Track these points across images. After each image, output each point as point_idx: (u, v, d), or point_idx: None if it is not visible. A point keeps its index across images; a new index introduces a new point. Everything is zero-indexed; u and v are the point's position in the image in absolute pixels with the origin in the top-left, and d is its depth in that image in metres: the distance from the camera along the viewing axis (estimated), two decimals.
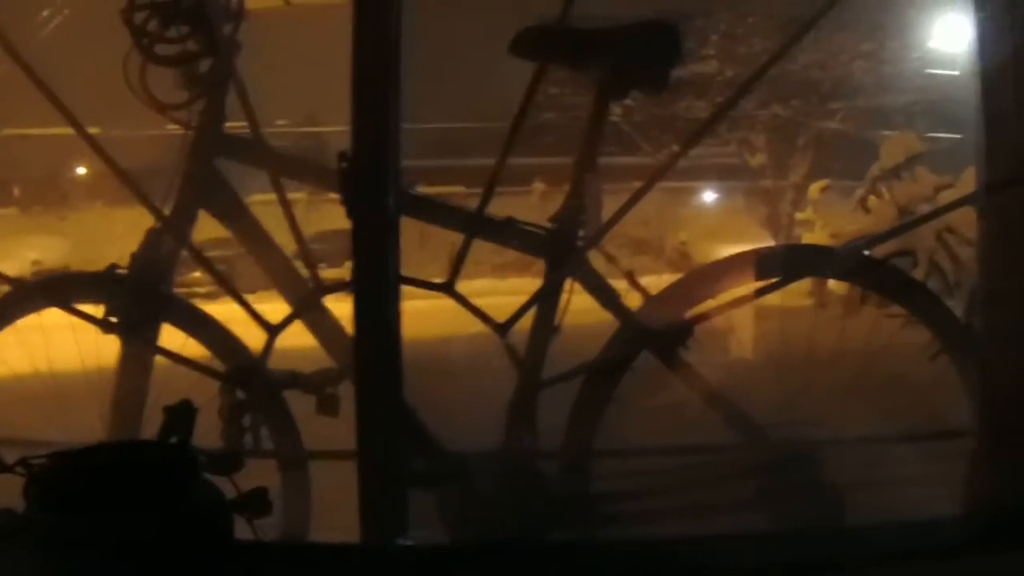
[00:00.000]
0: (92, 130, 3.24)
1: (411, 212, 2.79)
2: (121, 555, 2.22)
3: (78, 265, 3.42)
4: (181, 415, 2.40)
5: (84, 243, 6.69)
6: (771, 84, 7.43)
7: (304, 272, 3.15)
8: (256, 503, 2.37)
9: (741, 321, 3.36)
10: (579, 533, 3.04)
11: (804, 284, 6.18)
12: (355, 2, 2.53)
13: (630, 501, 3.10)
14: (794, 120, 7.95)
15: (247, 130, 3.15)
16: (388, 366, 2.41)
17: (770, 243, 7.53)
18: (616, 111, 4.98)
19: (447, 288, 2.98)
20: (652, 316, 3.05)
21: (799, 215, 8.10)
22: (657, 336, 3.04)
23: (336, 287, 2.98)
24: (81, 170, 7.78)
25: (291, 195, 3.22)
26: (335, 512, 3.07)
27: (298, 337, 3.11)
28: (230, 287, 3.11)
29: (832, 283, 6.31)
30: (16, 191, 7.91)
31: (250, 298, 3.13)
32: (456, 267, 2.98)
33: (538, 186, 5.03)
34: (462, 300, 2.99)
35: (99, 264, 3.28)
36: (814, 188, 8.17)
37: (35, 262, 3.49)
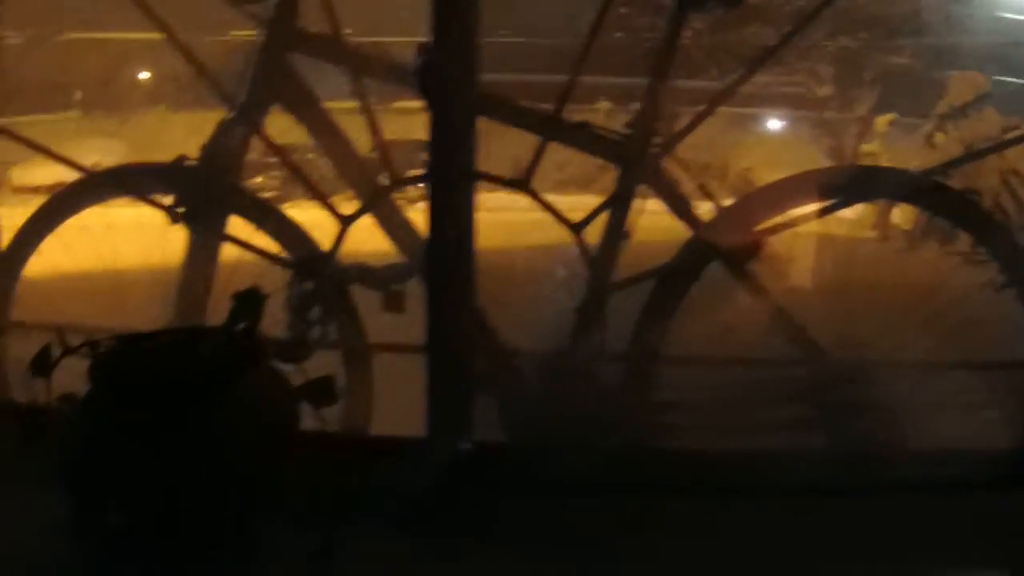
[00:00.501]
0: (152, 35, 3.21)
1: (487, 112, 2.77)
2: (183, 436, 2.22)
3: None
4: (249, 302, 2.41)
5: (144, 146, 6.66)
6: (840, 16, 7.33)
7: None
8: (323, 391, 2.36)
9: (805, 245, 3.32)
10: (637, 440, 3.02)
11: (868, 216, 6.15)
12: None
13: (689, 412, 3.09)
14: (861, 53, 7.85)
15: None
16: (461, 260, 2.39)
17: None
18: (685, 34, 4.93)
19: (522, 185, 2.96)
20: (723, 228, 3.02)
21: (864, 148, 8.03)
22: (727, 248, 3.00)
23: (411, 180, 2.96)
24: (143, 74, 7.76)
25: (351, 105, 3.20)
26: (395, 407, 3.07)
27: (365, 237, 3.09)
28: (303, 177, 3.10)
29: (896, 216, 6.26)
30: (77, 94, 7.91)
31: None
32: (532, 166, 2.96)
33: (603, 104, 4.98)
34: (537, 197, 2.97)
35: None
36: (881, 121, 8.09)
37: (95, 164, 3.49)
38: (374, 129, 3.06)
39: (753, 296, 3.07)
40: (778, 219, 3.08)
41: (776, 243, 3.06)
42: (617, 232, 2.97)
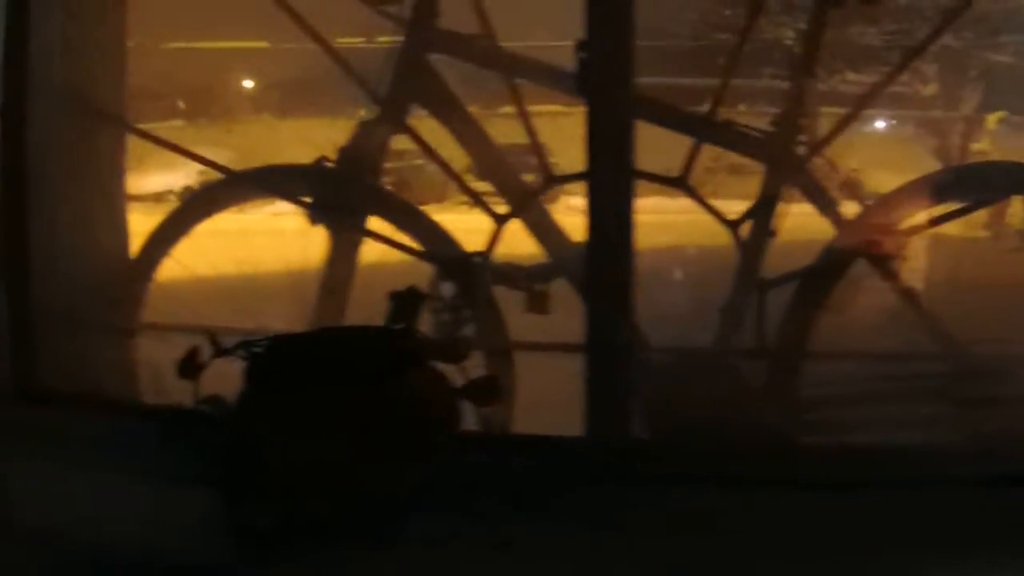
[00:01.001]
0: (259, 43, 3.22)
1: (641, 113, 2.76)
2: (344, 437, 2.21)
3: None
4: (408, 301, 2.39)
5: (251, 154, 6.70)
6: (942, 14, 7.25)
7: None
8: (487, 391, 2.35)
9: (929, 244, 3.30)
10: (783, 435, 3.00)
11: (980, 216, 6.10)
12: None
13: (832, 407, 3.07)
14: (965, 52, 7.78)
15: None
16: (621, 257, 2.37)
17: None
18: (789, 35, 4.91)
19: (680, 183, 2.95)
20: (868, 225, 3.00)
21: (974, 146, 7.96)
22: (872, 245, 2.98)
23: (569, 178, 2.95)
24: (247, 83, 7.81)
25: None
26: (540, 405, 3.07)
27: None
28: (455, 175, 3.10)
29: (1010, 215, 6.20)
30: (181, 104, 7.97)
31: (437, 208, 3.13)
32: (688, 165, 2.95)
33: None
34: (694, 194, 2.96)
35: None
36: (991, 119, 8.02)
37: (202, 172, 3.50)
38: (529, 130, 3.05)
39: (898, 291, 3.05)
40: (920, 217, 3.03)
41: (913, 241, 3.03)
42: (764, 231, 2.96)
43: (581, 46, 2.56)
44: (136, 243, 3.33)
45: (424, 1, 3.09)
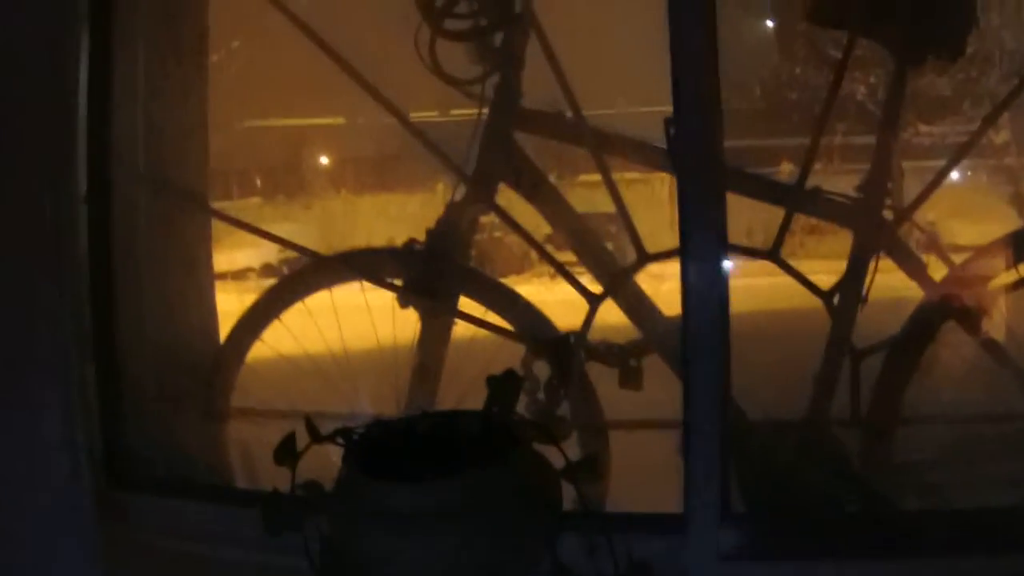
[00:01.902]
0: (335, 120, 3.26)
1: (731, 184, 2.77)
2: (447, 525, 2.21)
3: (325, 251, 3.45)
4: (505, 385, 2.40)
5: (330, 230, 6.76)
6: (1012, 58, 7.22)
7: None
8: (588, 471, 2.35)
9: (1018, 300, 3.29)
10: (880, 503, 2.99)
11: None
12: None
13: (930, 471, 3.06)
14: None
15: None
16: (717, 333, 2.37)
17: (1018, 222, 7.35)
18: (861, 90, 4.89)
19: (773, 256, 2.96)
20: (956, 286, 2.99)
21: None
22: (961, 306, 2.97)
23: (663, 254, 2.96)
24: (323, 159, 7.87)
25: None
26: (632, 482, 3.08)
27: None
28: (547, 255, 3.11)
29: None
30: (258, 181, 8.04)
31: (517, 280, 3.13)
32: (780, 237, 2.96)
33: (785, 167, 4.97)
34: (787, 267, 2.96)
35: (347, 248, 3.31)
36: None
37: (281, 250, 3.53)
38: (619, 204, 3.06)
39: (989, 351, 3.04)
40: (1007, 275, 3.02)
41: (1001, 299, 3.02)
42: (855, 298, 2.95)
43: (669, 122, 2.57)
44: (222, 323, 3.35)
45: (506, 80, 3.09)
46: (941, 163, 3.14)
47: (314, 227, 6.86)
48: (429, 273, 3.13)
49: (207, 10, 3.37)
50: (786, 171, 3.20)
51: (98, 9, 2.85)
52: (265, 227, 3.45)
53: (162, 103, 3.16)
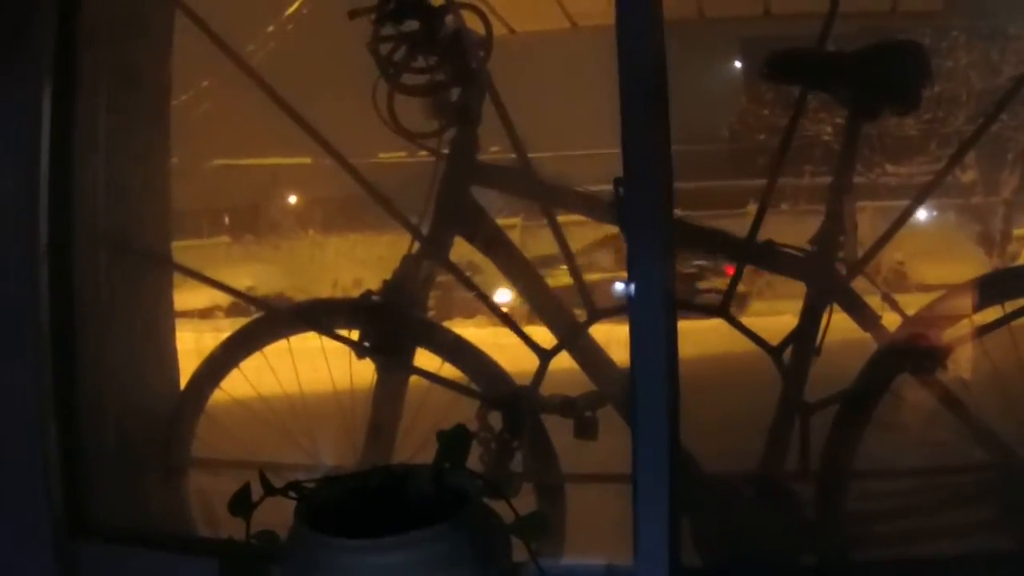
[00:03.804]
0: (303, 160, 3.27)
1: (681, 239, 2.79)
2: None
3: (293, 292, 3.47)
4: (456, 440, 2.41)
5: (297, 271, 6.77)
6: (978, 99, 7.27)
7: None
8: (536, 526, 2.36)
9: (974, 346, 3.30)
10: (834, 555, 3.00)
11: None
12: (619, 25, 2.49)
13: (884, 522, 3.07)
14: (1002, 135, 7.79)
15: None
16: (664, 389, 2.39)
17: (985, 261, 7.39)
18: (827, 131, 4.93)
19: (722, 312, 2.97)
20: (909, 337, 3.01)
21: (1018, 231, 7.95)
22: (914, 357, 2.99)
23: (611, 311, 2.98)
24: (291, 199, 7.88)
25: (504, 221, 3.23)
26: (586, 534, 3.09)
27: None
28: (499, 311, 3.12)
29: None
30: (227, 219, 8.04)
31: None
32: (730, 292, 2.98)
33: (751, 208, 4.99)
34: (736, 324, 2.98)
35: (314, 289, 3.32)
36: None
37: (249, 288, 3.55)
38: (570, 262, 3.09)
39: (944, 402, 3.05)
40: (961, 327, 3.04)
41: (969, 339, 3.03)
42: (807, 351, 2.96)
43: (619, 181, 2.59)
44: (185, 365, 3.36)
45: (463, 135, 3.11)
46: (908, 203, 3.15)
47: (282, 267, 6.86)
48: (385, 325, 3.13)
49: (170, 68, 3.38)
50: (752, 211, 3.20)
51: (61, 66, 2.86)
52: (233, 267, 3.49)
53: (122, 162, 3.16)
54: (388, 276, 3.17)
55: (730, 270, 3.06)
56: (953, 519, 3.04)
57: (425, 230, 3.15)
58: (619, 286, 2.80)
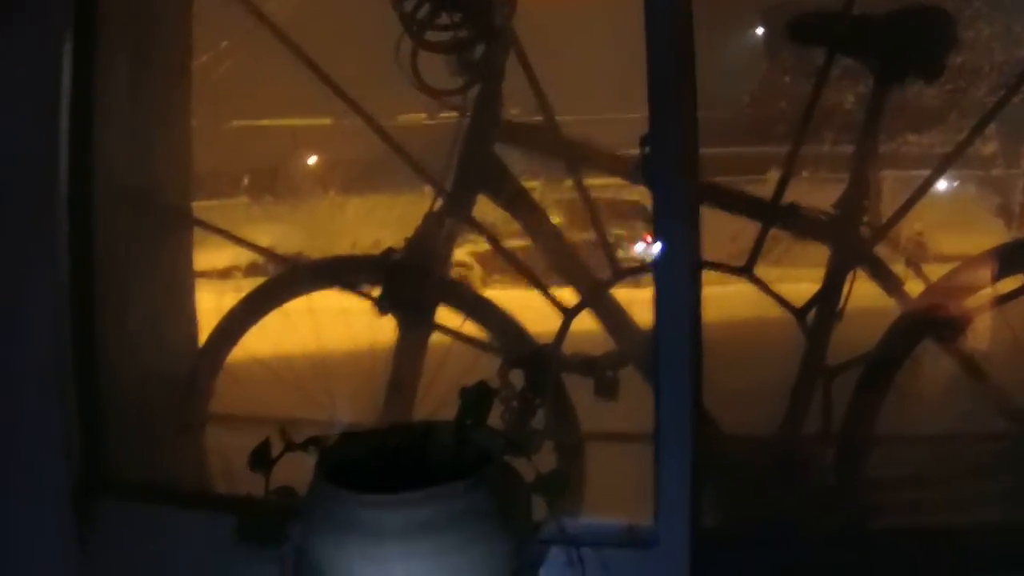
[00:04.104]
0: (323, 120, 3.27)
1: (707, 199, 2.78)
2: (414, 534, 2.21)
3: (312, 253, 3.46)
4: (478, 397, 2.40)
5: (317, 231, 6.73)
6: (999, 70, 7.20)
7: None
8: (557, 484, 2.36)
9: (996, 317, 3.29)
10: (852, 520, 2.99)
11: None
12: None
13: (903, 489, 3.06)
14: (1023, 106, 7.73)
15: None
16: (687, 350, 2.37)
17: (1005, 233, 7.35)
18: (848, 100, 4.89)
19: (746, 272, 2.96)
20: (932, 304, 2.99)
21: None
22: (937, 324, 2.98)
23: (636, 270, 2.97)
24: (311, 160, 7.83)
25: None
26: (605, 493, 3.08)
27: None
28: (523, 268, 3.11)
29: None
30: (246, 181, 8.00)
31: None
32: (755, 253, 2.96)
33: (772, 175, 4.97)
34: (761, 284, 2.97)
35: (333, 251, 3.31)
36: None
37: (269, 248, 3.54)
38: (594, 218, 3.07)
39: (966, 369, 3.06)
40: (984, 293, 3.02)
41: (992, 307, 3.02)
42: (830, 314, 2.95)
43: (644, 139, 2.57)
44: (204, 324, 3.35)
45: (487, 92, 3.10)
46: (929, 173, 3.14)
47: (301, 228, 6.83)
48: (407, 283, 3.12)
49: (191, 26, 3.36)
50: (772, 178, 3.20)
51: (82, 20, 2.85)
52: (252, 228, 3.46)
53: (145, 117, 3.15)
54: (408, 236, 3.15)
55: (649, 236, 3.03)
56: (972, 488, 3.02)
57: (448, 189, 3.11)
58: (641, 246, 2.79)
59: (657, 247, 2.37)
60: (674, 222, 2.35)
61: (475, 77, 3.09)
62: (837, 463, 3.03)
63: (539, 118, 3.15)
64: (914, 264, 3.09)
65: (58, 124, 2.79)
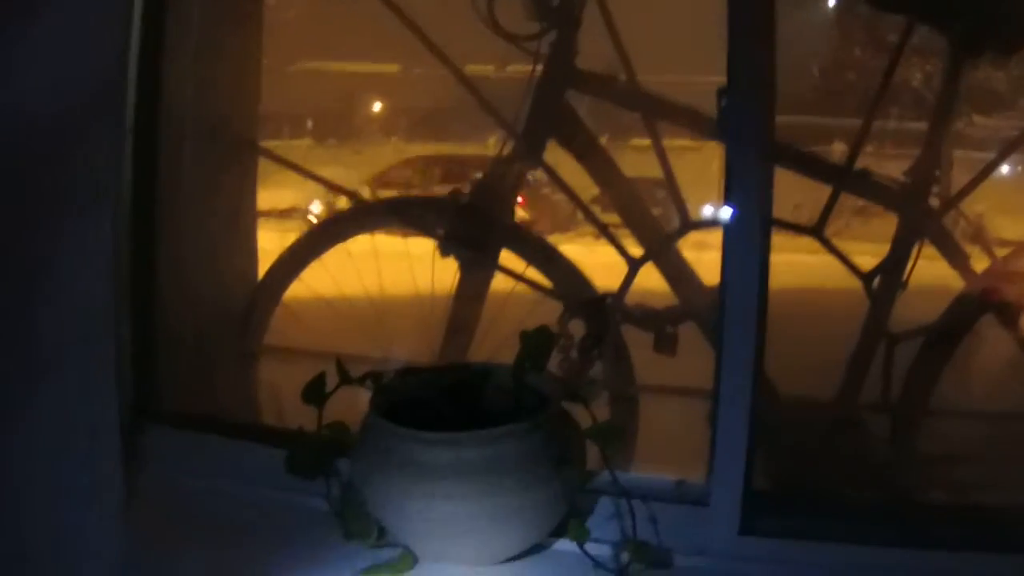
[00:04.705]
0: (391, 68, 3.25)
1: (779, 159, 2.76)
2: (468, 475, 2.22)
3: (371, 198, 3.46)
4: (538, 341, 2.40)
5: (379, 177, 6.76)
6: None
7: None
8: (612, 434, 2.36)
9: None
10: (903, 491, 2.98)
11: None
12: None
13: (955, 464, 3.05)
14: None
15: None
16: (754, 307, 2.36)
17: None
18: (918, 76, 4.86)
19: (816, 232, 2.96)
20: (996, 280, 2.98)
21: None
22: (999, 301, 2.96)
23: (707, 223, 2.96)
24: (377, 106, 7.85)
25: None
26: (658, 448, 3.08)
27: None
28: (591, 215, 3.11)
29: None
30: (310, 123, 8.02)
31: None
32: (825, 215, 2.95)
33: (837, 147, 4.95)
34: (829, 245, 2.96)
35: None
36: None
37: (328, 191, 3.54)
38: (667, 171, 3.06)
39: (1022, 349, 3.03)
40: None
41: None
42: (895, 283, 2.94)
43: (722, 92, 2.56)
44: (263, 262, 3.36)
45: (563, 38, 3.09)
46: (993, 156, 3.11)
47: (363, 172, 6.85)
48: (472, 225, 3.12)
49: None
50: (838, 151, 3.19)
51: None
52: (313, 168, 3.45)
53: (215, 45, 3.15)
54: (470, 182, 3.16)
55: None
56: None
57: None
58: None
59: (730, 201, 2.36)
60: (748, 177, 2.34)
61: (552, 22, 3.07)
62: (892, 432, 3.00)
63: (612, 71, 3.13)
64: (981, 239, 3.07)
65: (127, 51, 2.79)
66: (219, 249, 3.26)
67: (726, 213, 2.34)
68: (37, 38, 2.30)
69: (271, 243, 3.44)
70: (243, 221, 3.35)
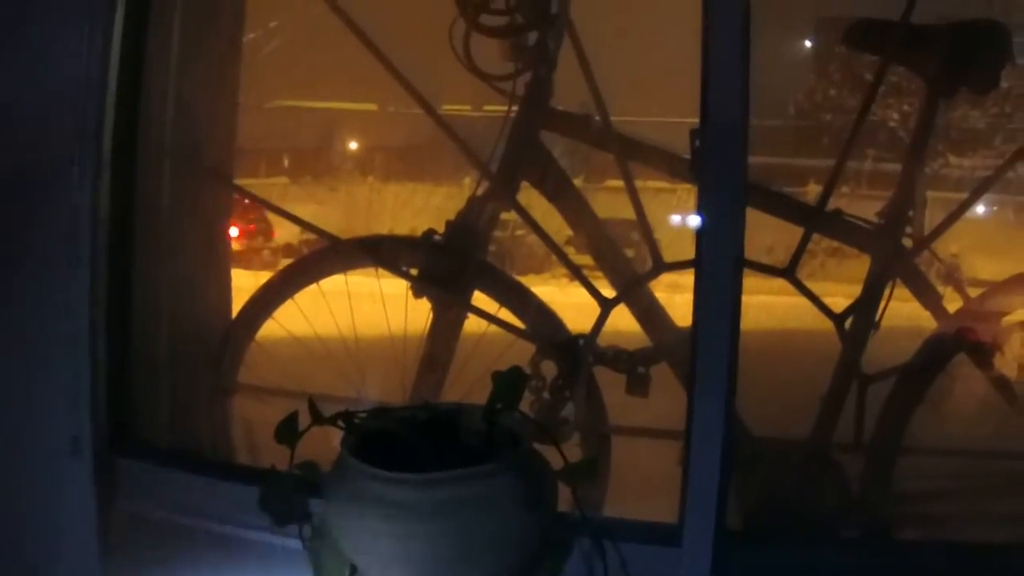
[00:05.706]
0: (367, 106, 3.26)
1: (752, 200, 2.77)
2: (440, 515, 2.21)
3: (346, 236, 3.46)
4: (510, 381, 2.39)
5: (353, 215, 6.77)
6: None
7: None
8: (585, 473, 2.35)
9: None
10: (876, 529, 2.99)
11: None
12: None
13: (928, 502, 3.05)
14: None
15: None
16: (726, 347, 2.37)
17: None
18: (894, 116, 4.88)
19: (788, 274, 2.96)
20: (969, 319, 2.99)
21: None
22: (972, 341, 2.97)
23: (679, 264, 2.96)
24: (353, 144, 7.87)
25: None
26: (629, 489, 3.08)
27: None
28: (564, 257, 3.11)
29: None
30: (286, 161, 8.03)
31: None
32: (797, 255, 2.95)
33: (812, 187, 4.98)
34: (801, 287, 2.96)
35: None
36: None
37: (302, 231, 3.54)
38: (639, 212, 3.06)
39: (998, 386, 3.06)
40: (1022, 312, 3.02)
41: (1016, 335, 3.02)
42: (867, 322, 2.95)
43: (695, 133, 2.57)
44: (237, 300, 3.36)
45: (537, 79, 3.10)
46: (961, 195, 3.13)
47: (338, 211, 6.86)
48: (445, 265, 3.12)
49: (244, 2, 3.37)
50: (813, 191, 3.21)
51: None
52: (289, 207, 3.44)
53: (193, 81, 3.15)
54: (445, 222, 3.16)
55: None
56: (996, 506, 3.02)
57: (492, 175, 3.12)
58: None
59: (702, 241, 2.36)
60: (720, 218, 2.34)
61: (527, 63, 3.08)
62: (865, 471, 3.01)
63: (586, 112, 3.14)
64: (954, 280, 3.08)
65: (107, 76, 2.79)
66: (195, 280, 3.26)
67: (697, 254, 2.34)
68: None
69: (243, 281, 3.43)
70: (218, 255, 3.35)
